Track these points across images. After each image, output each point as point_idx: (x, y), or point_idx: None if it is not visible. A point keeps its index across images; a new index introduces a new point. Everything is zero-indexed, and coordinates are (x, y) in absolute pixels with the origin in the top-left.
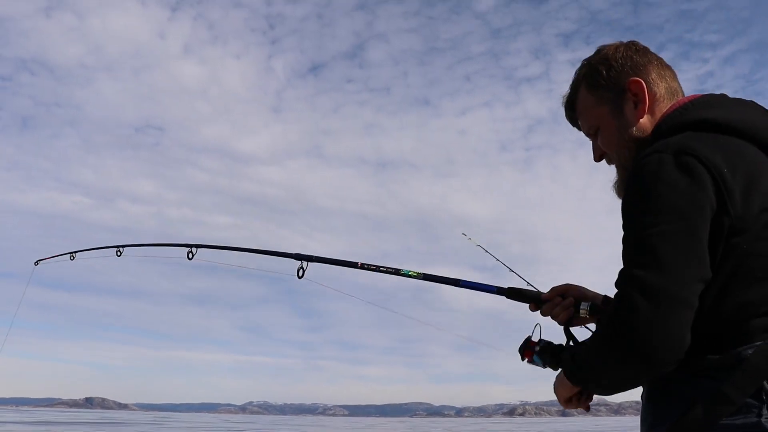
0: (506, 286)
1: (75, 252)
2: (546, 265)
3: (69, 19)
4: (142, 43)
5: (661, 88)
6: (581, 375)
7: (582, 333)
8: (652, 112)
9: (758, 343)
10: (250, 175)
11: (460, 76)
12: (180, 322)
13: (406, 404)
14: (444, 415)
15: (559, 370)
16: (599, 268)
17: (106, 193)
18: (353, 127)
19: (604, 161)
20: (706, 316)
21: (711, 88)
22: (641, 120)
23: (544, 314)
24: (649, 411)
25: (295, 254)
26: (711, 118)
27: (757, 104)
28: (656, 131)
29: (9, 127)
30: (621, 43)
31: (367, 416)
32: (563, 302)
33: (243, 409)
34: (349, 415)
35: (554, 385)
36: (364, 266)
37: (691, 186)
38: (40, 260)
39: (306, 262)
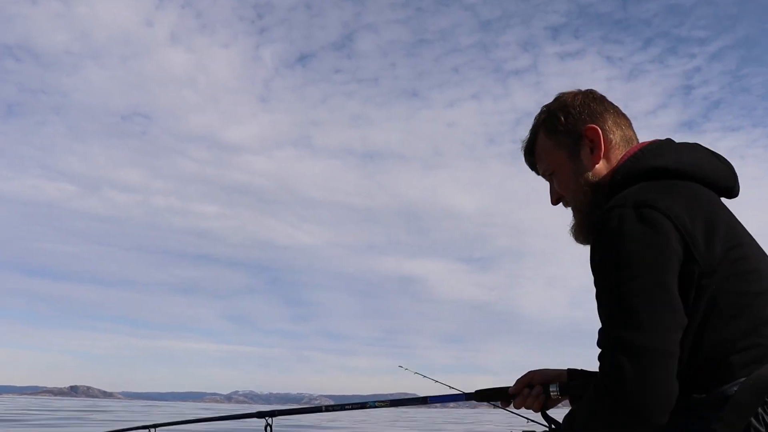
0: (473, 391)
1: None
2: (532, 258)
3: (56, 5)
4: (129, 31)
5: (616, 135)
6: (580, 417)
7: (559, 413)
8: (607, 158)
9: (741, 379)
10: (238, 164)
11: (448, 68)
12: (165, 312)
13: (392, 394)
14: (430, 404)
15: None
16: (584, 263)
17: (93, 181)
18: (341, 118)
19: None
20: (686, 357)
21: (698, 83)
22: (597, 165)
23: (517, 407)
24: None
25: (257, 412)
26: (662, 165)
27: (701, 146)
28: (612, 182)
29: None
30: (579, 91)
31: None
32: (532, 392)
33: (229, 398)
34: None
35: None
36: (329, 409)
37: (655, 238)
38: None
39: (270, 418)
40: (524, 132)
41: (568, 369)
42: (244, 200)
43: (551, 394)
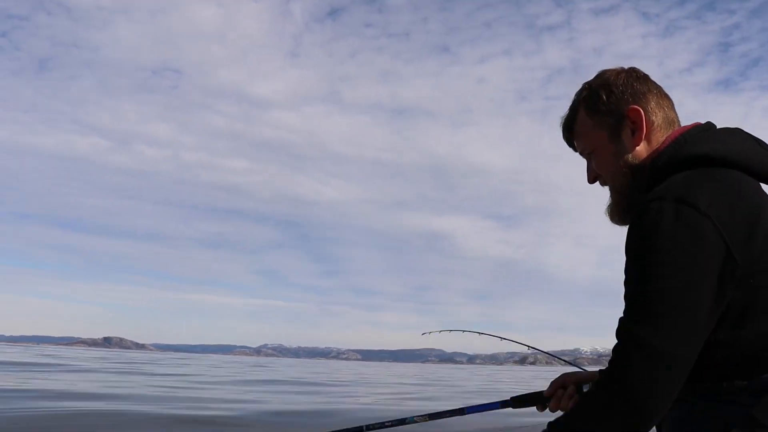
0: (509, 398)
1: None
2: (560, 217)
3: None
4: None
5: (658, 117)
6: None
7: None
8: (648, 140)
9: None
10: (266, 120)
11: (480, 23)
12: (195, 266)
13: (418, 350)
14: (456, 362)
15: None
16: (611, 223)
17: (123, 135)
18: (370, 73)
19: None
20: (726, 345)
21: (737, 40)
22: (638, 147)
23: (552, 410)
24: None
25: None
26: (706, 153)
27: (743, 131)
28: (652, 167)
29: (26, 68)
30: (622, 69)
31: (381, 361)
32: (566, 392)
33: (258, 351)
34: (363, 359)
35: None
36: (369, 427)
37: (691, 239)
38: None
39: None
40: (555, 89)
41: (600, 370)
42: (272, 156)
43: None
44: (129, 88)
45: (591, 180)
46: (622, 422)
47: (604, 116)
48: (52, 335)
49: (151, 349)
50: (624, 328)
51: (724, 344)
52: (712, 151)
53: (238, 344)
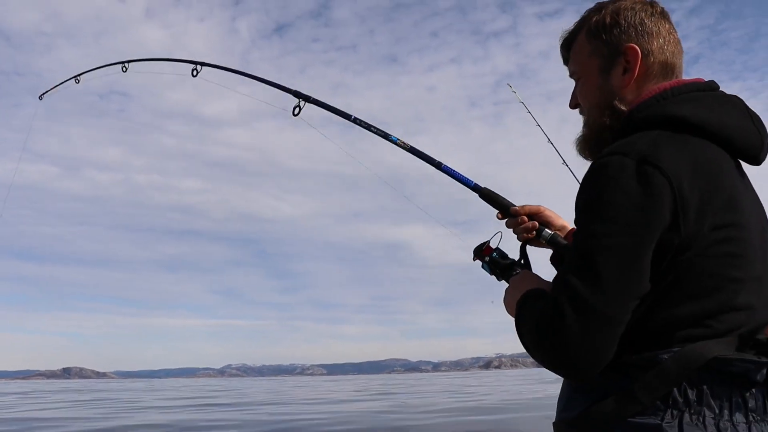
0: (483, 186)
1: (80, 75)
2: None
3: None
4: (101, 8)
5: (657, 61)
6: (519, 324)
7: (537, 253)
8: (638, 85)
9: (675, 349)
10: (218, 138)
11: (427, 33)
12: (153, 289)
13: (383, 361)
14: (421, 371)
15: (506, 285)
16: (571, 221)
17: (73, 161)
18: (321, 87)
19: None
20: (637, 322)
21: None
22: (624, 89)
23: (507, 226)
24: (565, 395)
25: (294, 90)
26: (683, 116)
27: (740, 101)
28: (629, 117)
29: None
30: (640, 0)
31: (346, 374)
32: (527, 223)
33: (221, 372)
34: (328, 374)
35: (505, 295)
36: (356, 120)
37: (647, 201)
38: (43, 93)
39: (303, 101)
40: (505, 94)
41: (572, 229)
42: (226, 174)
43: (543, 235)
44: (76, 113)
45: (572, 105)
46: (548, 365)
47: (602, 45)
48: (7, 369)
49: (112, 377)
50: (563, 279)
51: (636, 318)
52: (692, 115)
53: (201, 366)
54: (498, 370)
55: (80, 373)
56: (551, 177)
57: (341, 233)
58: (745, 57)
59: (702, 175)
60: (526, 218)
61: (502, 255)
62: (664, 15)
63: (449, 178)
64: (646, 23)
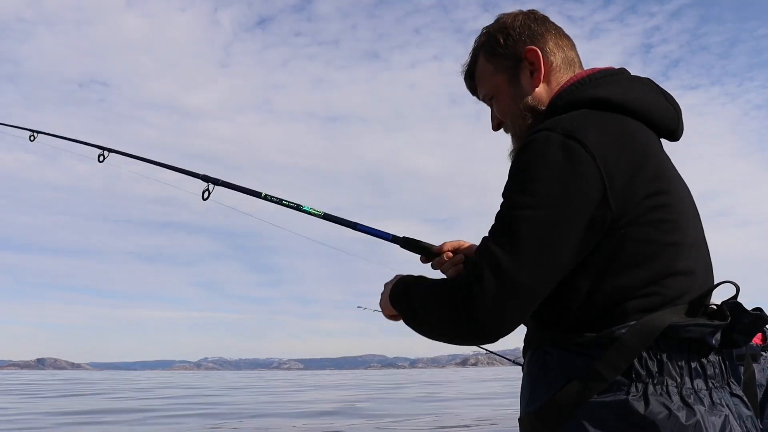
0: (401, 236)
1: None
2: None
3: None
4: None
5: (557, 57)
6: (407, 306)
7: None
8: (548, 82)
9: (631, 322)
10: (198, 130)
11: (409, 29)
12: (130, 280)
13: (360, 356)
14: (398, 367)
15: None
16: None
17: (51, 150)
18: (302, 81)
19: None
20: (584, 297)
21: (657, 42)
22: (537, 89)
23: (434, 268)
24: (528, 386)
25: (202, 175)
26: (605, 96)
27: (652, 82)
28: (551, 106)
29: None
30: (520, 12)
31: (322, 369)
32: (453, 258)
33: (198, 365)
34: (304, 368)
35: (381, 298)
36: (267, 197)
37: (571, 175)
38: None
39: (213, 185)
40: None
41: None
42: (206, 166)
43: None
44: (55, 102)
45: (495, 127)
46: (455, 331)
47: (503, 59)
48: None
49: (87, 368)
50: (485, 245)
51: (583, 293)
52: (612, 95)
53: (177, 359)
54: (474, 368)
55: (54, 364)
56: None
57: (320, 228)
58: (725, 62)
59: (628, 147)
60: (451, 254)
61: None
62: (546, 18)
63: (433, 176)
64: (533, 27)
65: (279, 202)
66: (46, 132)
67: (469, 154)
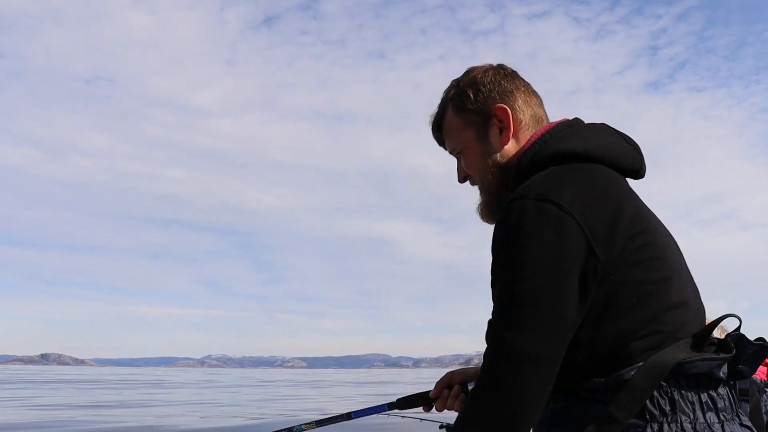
0: (395, 399)
1: None
2: None
3: None
4: None
5: (526, 115)
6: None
7: None
8: (516, 138)
9: (639, 364)
10: (204, 128)
11: (415, 29)
12: (135, 277)
13: (364, 356)
14: (401, 366)
15: None
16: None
17: (57, 146)
18: (308, 80)
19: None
20: (587, 344)
21: (664, 44)
22: (505, 147)
23: (439, 410)
24: None
25: None
26: (570, 149)
27: (609, 127)
28: (519, 164)
29: None
30: (490, 67)
31: (326, 368)
32: (452, 393)
33: (202, 362)
34: (308, 367)
35: None
36: None
37: (553, 237)
38: None
39: None
40: None
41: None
42: (211, 164)
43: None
44: (61, 98)
45: (461, 180)
46: (499, 428)
47: (472, 115)
48: None
49: (91, 364)
50: (491, 333)
51: (585, 342)
52: (576, 146)
53: (181, 356)
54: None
55: (59, 360)
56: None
57: (325, 227)
58: (731, 64)
59: (602, 196)
60: (447, 391)
61: None
62: (515, 74)
63: (438, 176)
64: (503, 84)
65: None
66: None
67: None
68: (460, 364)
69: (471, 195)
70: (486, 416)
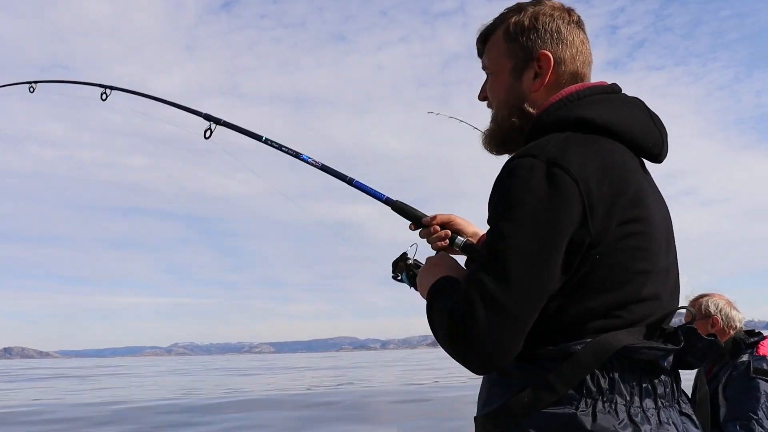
0: (395, 199)
1: None
2: (465, 199)
3: None
4: None
5: (567, 71)
6: (431, 314)
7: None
8: (547, 91)
9: (588, 339)
10: (164, 114)
11: (376, 11)
12: (98, 267)
13: (332, 339)
14: (369, 348)
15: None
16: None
17: (14, 137)
18: (269, 64)
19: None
20: (552, 316)
21: (623, 23)
22: (534, 93)
23: (421, 237)
24: (485, 390)
25: (204, 114)
26: (590, 118)
27: (641, 104)
28: (538, 120)
29: None
30: (560, 6)
31: (294, 352)
32: (440, 233)
33: (169, 351)
34: (276, 352)
35: (421, 277)
36: (267, 141)
37: (555, 203)
38: None
39: (214, 124)
40: (453, 74)
41: (485, 234)
42: (173, 151)
43: (455, 245)
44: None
45: (481, 98)
46: (456, 357)
47: (517, 48)
48: None
49: (56, 357)
50: (475, 275)
51: (551, 312)
52: (598, 117)
53: (148, 345)
54: None
55: (22, 353)
56: (497, 160)
57: (289, 212)
58: (688, 42)
59: (609, 174)
60: (438, 228)
61: (419, 266)
62: (579, 25)
63: (403, 158)
64: (562, 31)
65: (279, 147)
66: (44, 80)
67: (436, 136)
68: (427, 344)
69: (435, 178)
70: (450, 347)
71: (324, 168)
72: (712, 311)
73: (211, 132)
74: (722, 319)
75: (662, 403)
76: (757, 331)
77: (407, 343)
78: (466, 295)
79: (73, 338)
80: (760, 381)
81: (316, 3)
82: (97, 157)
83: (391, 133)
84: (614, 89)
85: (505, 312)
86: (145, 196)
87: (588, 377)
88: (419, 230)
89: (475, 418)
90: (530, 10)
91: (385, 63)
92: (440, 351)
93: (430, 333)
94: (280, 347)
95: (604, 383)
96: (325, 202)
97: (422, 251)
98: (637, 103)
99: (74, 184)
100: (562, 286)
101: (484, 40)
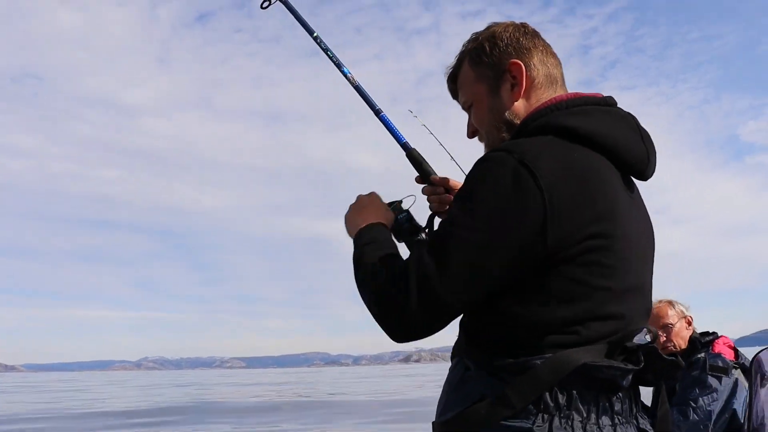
0: (413, 147)
1: None
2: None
3: None
4: None
5: (540, 74)
6: (358, 259)
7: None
8: (527, 97)
9: (548, 355)
10: (137, 127)
11: (350, 28)
12: (67, 280)
13: (303, 354)
14: (341, 364)
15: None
16: None
17: None
18: (243, 78)
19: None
20: (508, 322)
21: (595, 43)
22: (515, 104)
23: (423, 193)
24: (444, 396)
25: None
26: (574, 127)
27: (631, 118)
28: (523, 126)
29: None
30: (512, 24)
31: (265, 368)
32: (443, 195)
33: (138, 365)
34: (247, 367)
35: (349, 213)
36: (317, 39)
37: (515, 202)
38: None
39: None
40: (427, 91)
41: (446, 214)
42: (145, 164)
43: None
44: None
45: (470, 135)
46: (378, 318)
47: (486, 69)
48: None
49: (21, 370)
50: (420, 252)
51: (507, 317)
52: (583, 126)
53: (116, 359)
54: (417, 364)
55: None
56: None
57: (263, 226)
58: (659, 63)
59: (580, 184)
60: (443, 189)
61: (410, 218)
62: (536, 34)
63: (377, 174)
64: (521, 41)
65: (325, 50)
66: None
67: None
68: (399, 360)
69: (409, 192)
70: (375, 309)
71: (357, 89)
72: (686, 312)
73: (270, 4)
74: (691, 319)
75: (619, 420)
76: (711, 331)
77: (379, 359)
78: (407, 269)
79: (40, 352)
80: (710, 376)
81: (290, 18)
82: (67, 169)
83: (365, 148)
84: (608, 102)
85: (437, 298)
86: (116, 209)
87: (546, 393)
88: (424, 186)
89: (432, 423)
90: (485, 33)
91: (359, 79)
92: (413, 367)
93: (402, 348)
94: (251, 362)
95: (561, 399)
96: (299, 217)
97: (418, 206)
98: (627, 119)
99: (43, 196)
100: (520, 293)
101: (454, 78)
